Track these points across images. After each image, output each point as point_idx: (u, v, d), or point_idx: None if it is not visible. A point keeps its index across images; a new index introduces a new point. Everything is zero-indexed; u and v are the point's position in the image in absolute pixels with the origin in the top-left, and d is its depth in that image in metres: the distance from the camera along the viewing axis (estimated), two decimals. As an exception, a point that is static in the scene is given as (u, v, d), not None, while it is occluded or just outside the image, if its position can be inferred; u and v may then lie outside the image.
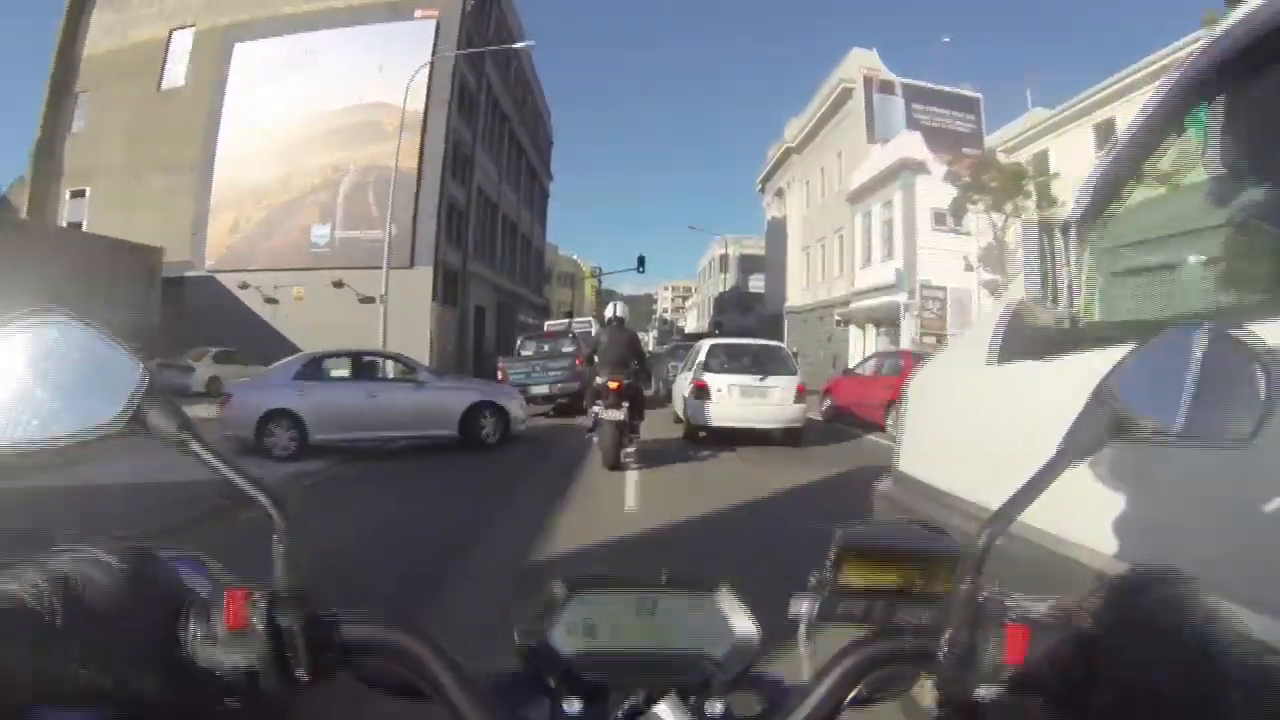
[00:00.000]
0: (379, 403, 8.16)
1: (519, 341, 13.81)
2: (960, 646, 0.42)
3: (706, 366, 9.42)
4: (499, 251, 28.25)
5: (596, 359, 7.32)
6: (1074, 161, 17.06)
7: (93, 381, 0.43)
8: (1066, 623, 0.42)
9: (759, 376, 9.36)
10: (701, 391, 9.25)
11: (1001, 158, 18.35)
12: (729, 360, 9.64)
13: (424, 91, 21.88)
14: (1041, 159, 17.74)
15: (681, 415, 10.14)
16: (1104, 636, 0.40)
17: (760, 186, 40.47)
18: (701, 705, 0.47)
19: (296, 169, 22.92)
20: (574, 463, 7.46)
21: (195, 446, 0.43)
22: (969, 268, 17.50)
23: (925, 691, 0.46)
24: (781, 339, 19.39)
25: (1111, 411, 0.44)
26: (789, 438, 9.55)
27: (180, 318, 21.58)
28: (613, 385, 6.89)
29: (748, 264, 50.92)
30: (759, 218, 42.10)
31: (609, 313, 7.81)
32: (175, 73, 26.31)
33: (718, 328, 37.15)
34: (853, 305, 22.46)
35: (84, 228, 24.24)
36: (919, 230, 19.75)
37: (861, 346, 22.30)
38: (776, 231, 36.24)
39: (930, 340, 19.49)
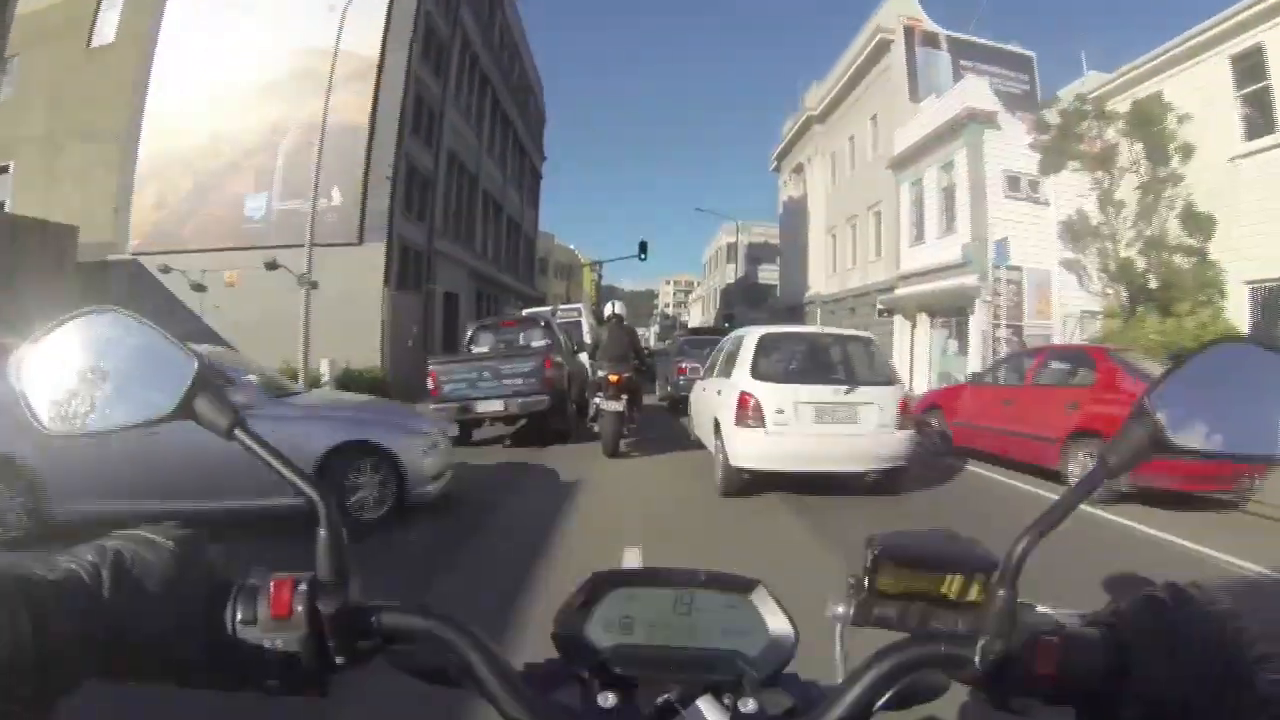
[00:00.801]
0: (165, 446, 4.25)
1: (469, 333, 9.53)
2: (994, 655, 0.42)
3: (755, 370, 5.59)
4: (479, 232, 24.35)
5: (598, 355, 7.74)
6: (1202, 103, 13.16)
7: (148, 373, 0.46)
8: (1098, 636, 0.43)
9: (843, 387, 5.54)
10: (748, 413, 5.41)
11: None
12: (792, 360, 5.82)
13: (380, 32, 18.10)
14: (1154, 103, 13.78)
15: (710, 447, 6.31)
16: (1135, 651, 0.41)
17: (774, 165, 36.46)
18: (735, 704, 0.47)
19: (230, 129, 19.15)
20: (533, 589, 3.50)
21: (242, 435, 0.45)
22: (1075, 238, 13.55)
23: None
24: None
25: (1151, 428, 0.43)
26: (885, 482, 5.82)
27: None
28: (613, 379, 7.21)
29: (756, 253, 47.14)
30: (768, 205, 38.26)
31: (608, 310, 8.11)
32: (106, 27, 22.88)
33: (728, 321, 33.27)
34: (898, 292, 18.54)
35: (6, 207, 20.92)
36: (989, 197, 15.85)
37: (909, 341, 18.42)
38: (794, 214, 32.34)
39: (1007, 334, 15.64)
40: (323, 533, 0.44)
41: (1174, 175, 13.07)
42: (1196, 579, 0.43)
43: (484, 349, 9.10)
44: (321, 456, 4.51)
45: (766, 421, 5.31)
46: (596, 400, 7.57)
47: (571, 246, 56.91)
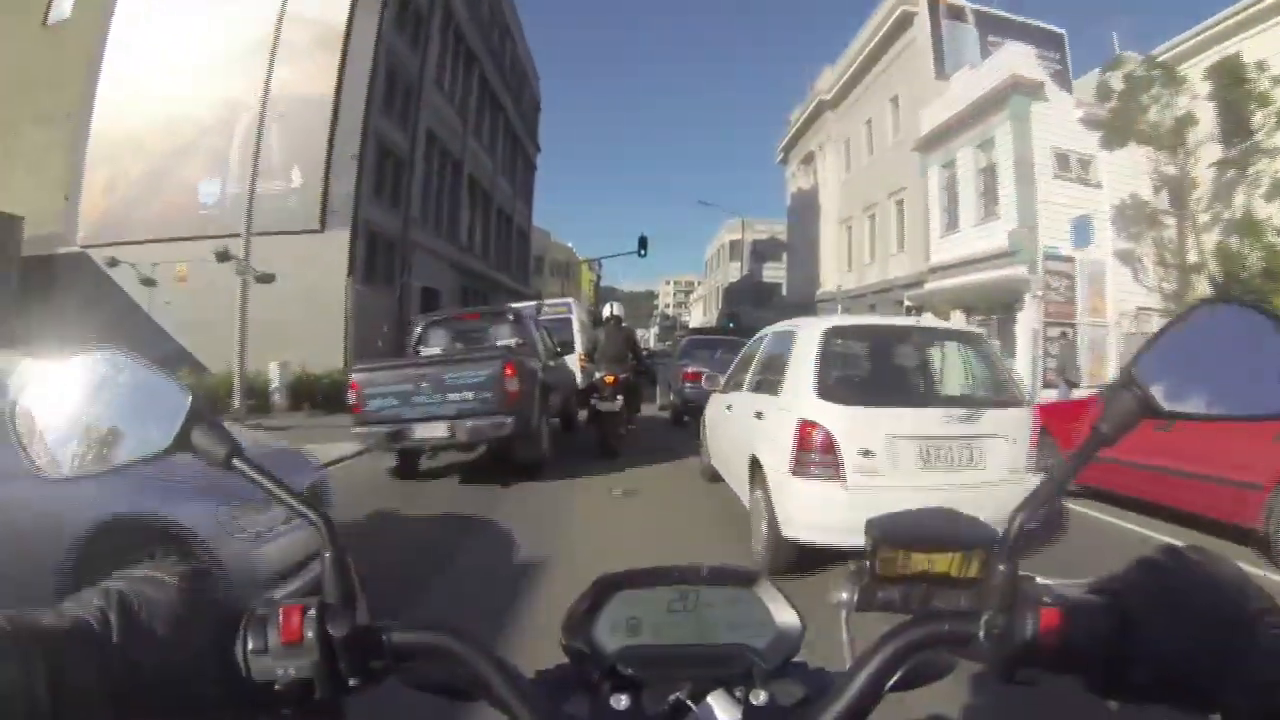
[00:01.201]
0: None
1: (415, 331, 7.34)
2: (998, 629, 0.42)
3: (822, 386, 3.60)
4: (465, 223, 22.38)
5: (595, 356, 7.87)
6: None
7: (144, 409, 0.46)
8: (1101, 603, 0.43)
9: (958, 411, 3.57)
10: (814, 454, 3.44)
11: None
12: (875, 370, 3.86)
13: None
14: (1232, 66, 11.86)
15: (742, 498, 4.32)
16: (1138, 615, 0.41)
17: (781, 157, 34.52)
18: (747, 696, 0.47)
19: (187, 107, 17.20)
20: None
21: (240, 465, 0.45)
22: (1150, 222, 11.62)
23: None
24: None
25: (1139, 392, 0.42)
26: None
27: (49, 306, 16.20)
28: (609, 380, 7.39)
29: (760, 250, 45.23)
30: (772, 202, 36.28)
31: (606, 311, 8.14)
32: (64, 1, 21.04)
33: (731, 320, 31.29)
34: (929, 286, 16.59)
35: (-41, 199, 19.08)
36: (1037, 178, 13.91)
37: (941, 342, 16.47)
38: (803, 206, 30.41)
39: (1057, 334, 13.71)
40: (327, 556, 0.43)
41: (1265, 147, 11.15)
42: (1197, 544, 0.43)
43: (435, 349, 6.99)
44: (84, 539, 2.57)
45: (845, 468, 3.34)
46: (593, 401, 7.68)
47: (569, 244, 54.92)
